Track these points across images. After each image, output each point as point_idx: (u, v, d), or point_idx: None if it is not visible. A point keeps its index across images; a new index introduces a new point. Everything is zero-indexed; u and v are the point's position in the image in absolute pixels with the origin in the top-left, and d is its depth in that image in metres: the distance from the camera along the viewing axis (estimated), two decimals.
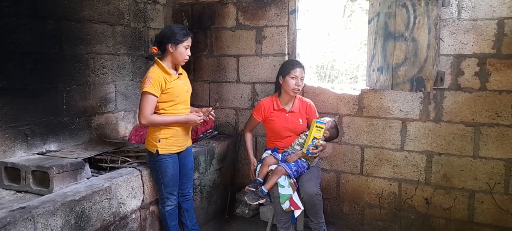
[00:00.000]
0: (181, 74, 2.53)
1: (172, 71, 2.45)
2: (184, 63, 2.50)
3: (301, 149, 2.72)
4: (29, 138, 2.58)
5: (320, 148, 2.66)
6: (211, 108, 2.58)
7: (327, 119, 2.82)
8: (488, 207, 2.78)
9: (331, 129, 2.79)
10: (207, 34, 3.67)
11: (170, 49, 2.40)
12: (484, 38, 2.65)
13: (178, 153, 2.53)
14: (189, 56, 2.49)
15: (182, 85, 2.50)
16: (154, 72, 2.37)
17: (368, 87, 3.06)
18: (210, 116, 2.56)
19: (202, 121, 2.52)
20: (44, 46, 2.65)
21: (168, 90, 2.39)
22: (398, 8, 2.74)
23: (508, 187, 2.71)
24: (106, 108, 3.16)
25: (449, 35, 2.75)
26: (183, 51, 2.43)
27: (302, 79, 2.78)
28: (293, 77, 2.74)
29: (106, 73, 3.14)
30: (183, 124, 2.51)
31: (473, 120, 2.76)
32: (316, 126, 2.60)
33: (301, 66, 2.80)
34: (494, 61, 2.65)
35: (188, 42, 2.44)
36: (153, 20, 3.57)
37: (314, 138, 2.61)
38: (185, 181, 2.64)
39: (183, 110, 2.52)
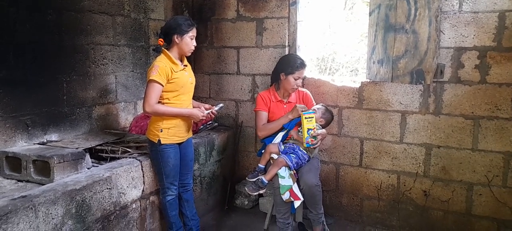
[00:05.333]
0: (186, 65, 2.56)
1: (178, 62, 2.48)
2: (190, 54, 2.52)
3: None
4: (30, 128, 2.59)
5: (319, 137, 2.67)
6: (215, 107, 2.64)
7: (315, 106, 2.82)
8: (486, 200, 2.80)
9: (324, 115, 2.79)
10: (207, 25, 3.67)
11: (176, 40, 2.43)
12: (485, 30, 2.65)
13: (179, 144, 2.55)
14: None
15: (187, 77, 2.53)
16: (161, 62, 2.40)
17: (368, 80, 3.06)
18: (211, 114, 2.62)
19: (204, 118, 2.55)
20: (44, 37, 2.64)
21: (174, 80, 2.42)
22: (399, 0, 2.74)
23: (506, 179, 2.72)
24: (106, 99, 3.17)
25: (449, 28, 2.74)
26: (189, 41, 2.46)
27: (301, 78, 2.85)
28: (296, 79, 2.78)
29: (107, 64, 3.14)
30: (186, 117, 2.53)
31: (472, 112, 2.76)
32: (305, 118, 2.60)
33: (305, 66, 2.84)
34: (494, 54, 2.64)
35: (193, 32, 2.48)
36: (153, 11, 3.56)
37: (309, 129, 2.61)
38: (185, 171, 2.66)
39: (186, 101, 2.55)
